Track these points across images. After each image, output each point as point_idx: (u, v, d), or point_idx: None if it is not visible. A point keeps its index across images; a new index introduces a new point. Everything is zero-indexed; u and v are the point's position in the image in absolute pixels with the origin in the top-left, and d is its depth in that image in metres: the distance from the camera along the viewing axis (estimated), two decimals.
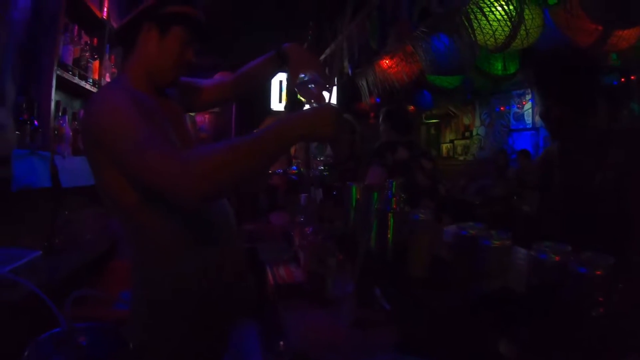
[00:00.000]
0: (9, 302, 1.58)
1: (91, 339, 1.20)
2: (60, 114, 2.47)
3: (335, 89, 6.20)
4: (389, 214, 1.46)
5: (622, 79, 3.97)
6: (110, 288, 2.17)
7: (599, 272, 0.73)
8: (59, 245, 2.38)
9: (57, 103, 2.42)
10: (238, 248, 1.43)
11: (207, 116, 6.80)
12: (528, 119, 7.62)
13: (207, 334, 1.29)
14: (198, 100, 1.59)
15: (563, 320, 0.79)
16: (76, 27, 2.65)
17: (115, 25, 3.17)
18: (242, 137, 1.02)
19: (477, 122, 9.09)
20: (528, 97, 7.59)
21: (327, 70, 4.45)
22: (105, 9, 3.07)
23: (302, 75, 1.24)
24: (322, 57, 4.56)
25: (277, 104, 7.18)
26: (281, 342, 1.10)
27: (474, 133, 9.18)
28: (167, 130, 1.22)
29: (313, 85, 1.21)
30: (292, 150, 5.24)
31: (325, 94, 1.25)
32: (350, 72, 3.89)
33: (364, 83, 3.73)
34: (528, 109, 7.61)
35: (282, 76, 7.06)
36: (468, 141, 9.40)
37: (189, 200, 0.99)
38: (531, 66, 2.80)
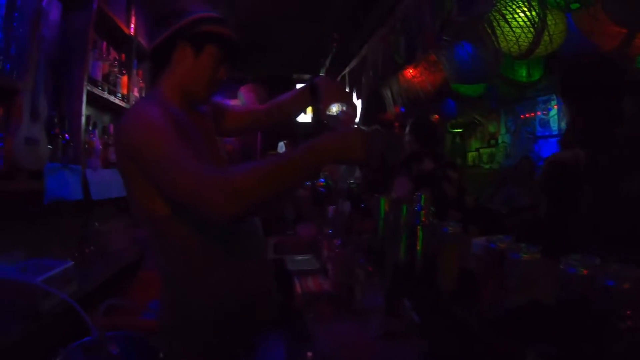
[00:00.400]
0: (41, 311, 1.62)
1: (121, 347, 1.22)
2: (90, 128, 2.53)
3: (359, 101, 6.23)
4: (418, 227, 1.46)
5: None
6: (139, 298, 2.21)
7: (626, 285, 0.72)
8: (89, 255, 2.43)
9: (88, 117, 2.48)
10: (266, 260, 1.44)
11: None
12: (554, 125, 7.47)
13: (234, 345, 1.29)
14: (229, 125, 1.61)
15: (591, 334, 0.78)
16: (105, 44, 2.73)
17: (142, 41, 3.26)
18: (274, 159, 1.05)
19: (503, 130, 8.96)
20: (553, 102, 7.44)
21: (352, 88, 4.47)
22: (133, 26, 3.15)
23: (333, 107, 1.26)
24: (347, 69, 4.58)
25: (303, 116, 7.24)
26: (309, 353, 1.10)
27: (500, 141, 9.04)
28: (200, 146, 1.24)
29: (343, 115, 1.24)
30: None
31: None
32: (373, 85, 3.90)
33: (388, 93, 3.73)
34: (553, 115, 7.47)
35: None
36: (494, 149, 9.26)
37: (221, 218, 1.01)
38: (556, 74, 2.75)
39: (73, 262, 1.93)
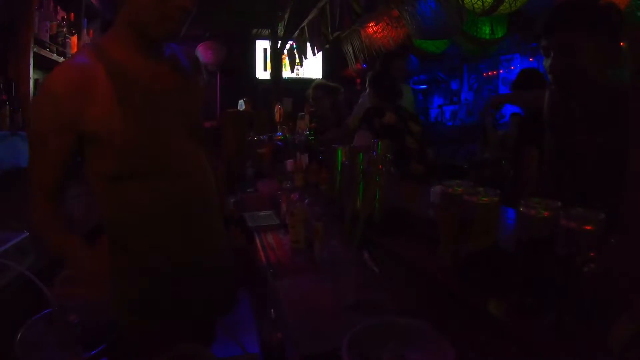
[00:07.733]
0: None
1: (82, 316, 1.19)
2: None
3: (320, 55, 6.10)
4: (375, 175, 1.44)
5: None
6: None
7: (588, 227, 0.71)
8: None
9: (36, 81, 2.36)
10: (217, 222, 1.39)
11: None
12: None
13: (182, 303, 1.27)
14: None
15: (553, 278, 0.77)
16: (52, 2, 2.57)
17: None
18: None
19: (465, 88, 9.03)
20: (516, 61, 7.52)
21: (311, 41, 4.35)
22: None
23: None
24: (304, 23, 4.46)
25: (262, 73, 7.07)
26: (272, 310, 1.09)
27: (462, 98, 9.12)
28: (146, 102, 1.15)
29: None
30: (277, 116, 5.19)
31: None
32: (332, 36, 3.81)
33: (350, 49, 3.67)
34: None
35: (266, 44, 6.94)
36: (456, 107, 9.35)
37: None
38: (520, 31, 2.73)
39: (28, 234, 1.86)
